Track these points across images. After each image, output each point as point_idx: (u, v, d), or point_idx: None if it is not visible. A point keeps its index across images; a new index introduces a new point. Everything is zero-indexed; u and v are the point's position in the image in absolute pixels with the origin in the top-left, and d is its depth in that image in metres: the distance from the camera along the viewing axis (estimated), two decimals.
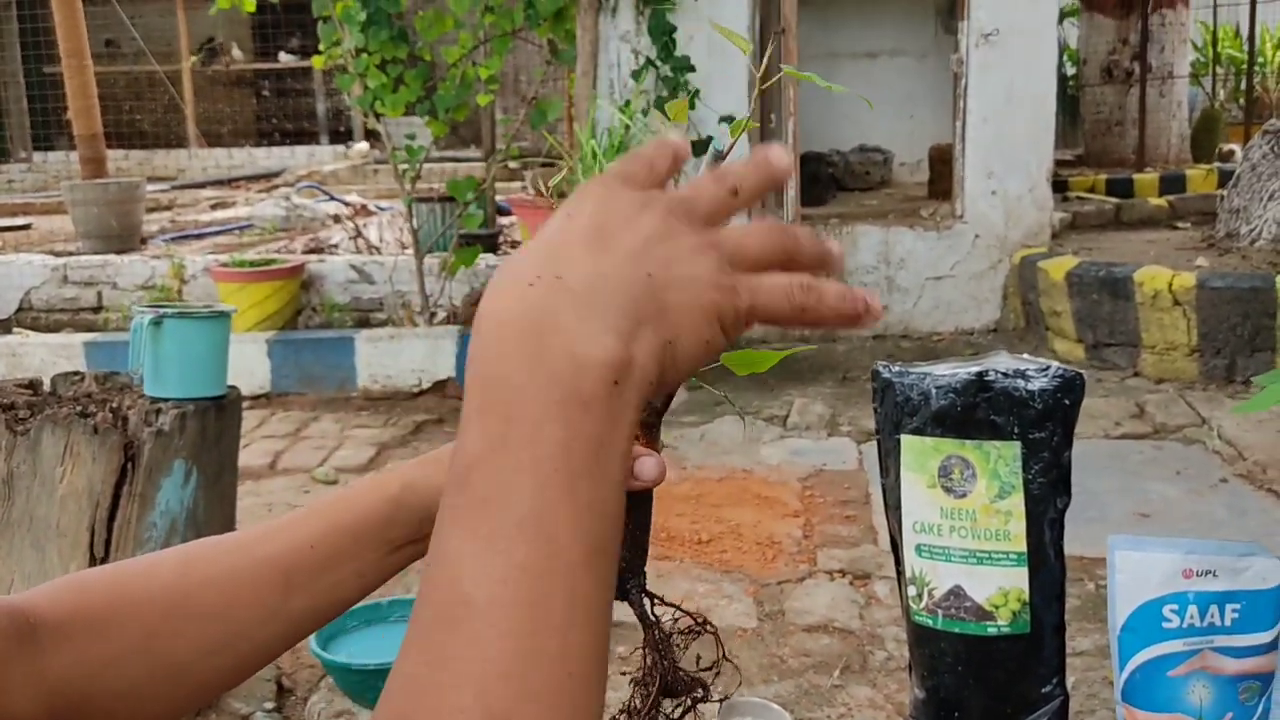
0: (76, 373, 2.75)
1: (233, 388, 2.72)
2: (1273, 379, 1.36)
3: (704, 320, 0.50)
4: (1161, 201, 7.92)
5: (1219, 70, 12.54)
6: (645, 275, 0.49)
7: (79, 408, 2.52)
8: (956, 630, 0.96)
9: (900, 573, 1.02)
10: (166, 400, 2.54)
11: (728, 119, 5.96)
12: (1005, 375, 0.94)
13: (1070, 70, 12.04)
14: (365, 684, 2.55)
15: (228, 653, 0.72)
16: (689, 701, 0.72)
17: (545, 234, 0.50)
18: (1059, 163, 9.44)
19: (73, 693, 0.68)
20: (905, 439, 0.98)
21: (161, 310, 2.54)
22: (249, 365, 5.61)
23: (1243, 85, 11.72)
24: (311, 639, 2.67)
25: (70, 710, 0.68)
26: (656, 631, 0.72)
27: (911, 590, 0.99)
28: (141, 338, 2.52)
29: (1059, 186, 8.06)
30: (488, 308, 0.49)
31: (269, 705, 2.81)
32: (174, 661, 0.70)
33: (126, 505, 2.49)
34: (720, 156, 0.71)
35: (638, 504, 0.78)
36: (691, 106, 5.93)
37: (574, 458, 0.46)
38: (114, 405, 2.55)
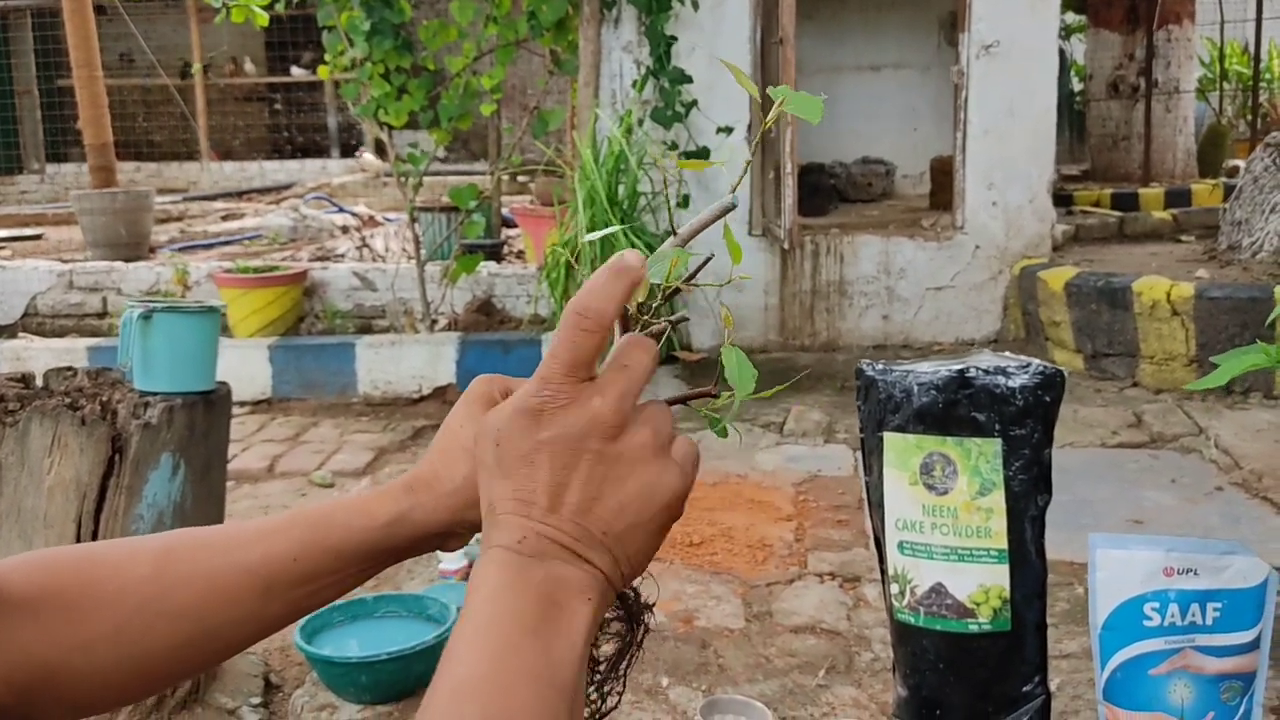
0: (69, 368, 2.78)
1: (222, 383, 2.74)
2: (1230, 357, 1.36)
3: (658, 541, 0.64)
4: (1165, 215, 7.92)
5: (1226, 86, 12.53)
6: (605, 534, 0.62)
7: (68, 400, 2.54)
8: (938, 628, 0.96)
9: (884, 571, 1.02)
10: (156, 394, 2.56)
11: (726, 130, 5.99)
12: (986, 372, 0.95)
13: (1076, 85, 12.05)
14: (348, 677, 2.56)
15: (196, 649, 0.72)
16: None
17: (547, 460, 0.62)
18: (1065, 177, 9.45)
19: (35, 671, 0.67)
20: (888, 436, 0.98)
21: (151, 305, 2.57)
22: (250, 371, 5.65)
23: (1249, 101, 11.71)
24: (296, 633, 2.69)
25: (33, 687, 0.67)
26: (634, 625, 0.73)
27: (894, 588, 1.00)
28: (131, 332, 2.54)
29: (1064, 200, 8.06)
30: (499, 532, 0.62)
31: (255, 700, 2.82)
32: (143, 653, 0.70)
33: (114, 497, 2.51)
34: (730, 209, 0.73)
35: None
36: (685, 116, 5.97)
37: (547, 629, 0.59)
38: (103, 399, 2.57)
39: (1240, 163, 10.04)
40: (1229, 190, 8.33)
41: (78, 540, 2.50)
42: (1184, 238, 7.36)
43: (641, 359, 0.65)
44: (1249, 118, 11.63)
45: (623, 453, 0.62)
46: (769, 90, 0.70)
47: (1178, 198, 8.63)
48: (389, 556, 0.75)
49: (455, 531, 0.76)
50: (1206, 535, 3.63)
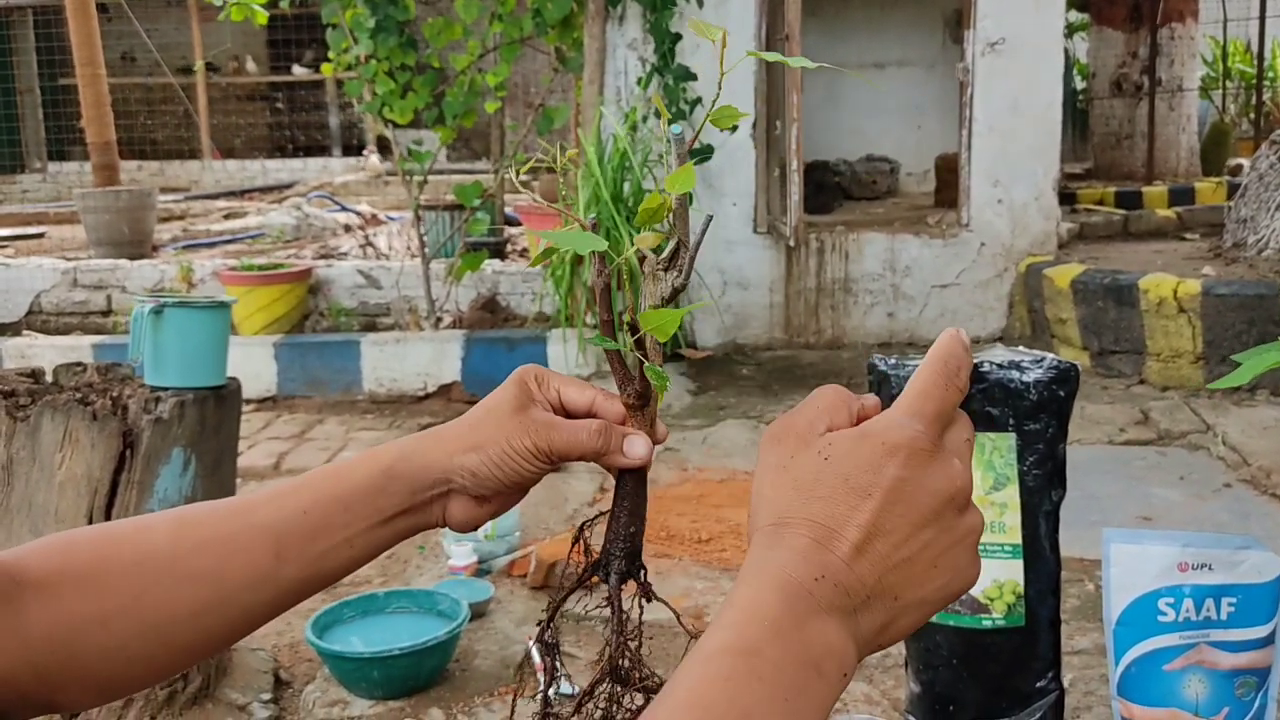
0: (78, 363, 2.77)
1: (233, 378, 2.74)
2: (1253, 355, 1.35)
3: (921, 624, 0.59)
4: (1170, 213, 7.91)
5: (1229, 85, 12.52)
6: (894, 600, 0.56)
7: (79, 395, 2.54)
8: (952, 623, 0.95)
9: None
10: (167, 389, 2.56)
11: (731, 127, 5.97)
12: (1000, 367, 0.94)
13: (1079, 84, 12.03)
14: (360, 673, 2.55)
15: (215, 616, 0.72)
16: (636, 693, 0.72)
17: (842, 502, 0.56)
18: (1068, 175, 9.43)
19: (57, 650, 0.67)
20: None
21: (162, 300, 2.56)
22: (255, 368, 5.64)
23: (1253, 100, 11.70)
24: (307, 628, 2.68)
25: (54, 668, 0.67)
26: (620, 616, 0.72)
27: None
28: (141, 327, 2.54)
29: (1067, 199, 8.05)
30: (789, 555, 0.56)
31: (265, 696, 2.82)
32: (162, 623, 0.70)
33: (125, 492, 2.51)
34: (680, 139, 0.73)
35: (629, 484, 0.77)
36: (690, 113, 5.96)
37: (803, 701, 0.52)
38: (114, 394, 2.57)
39: (1243, 161, 10.04)
40: (1232, 188, 8.33)
41: None
42: (1188, 236, 7.36)
43: (972, 440, 0.61)
44: (1251, 116, 11.62)
45: (957, 527, 0.58)
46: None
47: (1181, 196, 8.62)
48: (392, 508, 0.74)
49: (453, 482, 0.75)
50: (1216, 531, 3.62)
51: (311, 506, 0.74)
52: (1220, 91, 12.29)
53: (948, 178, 7.11)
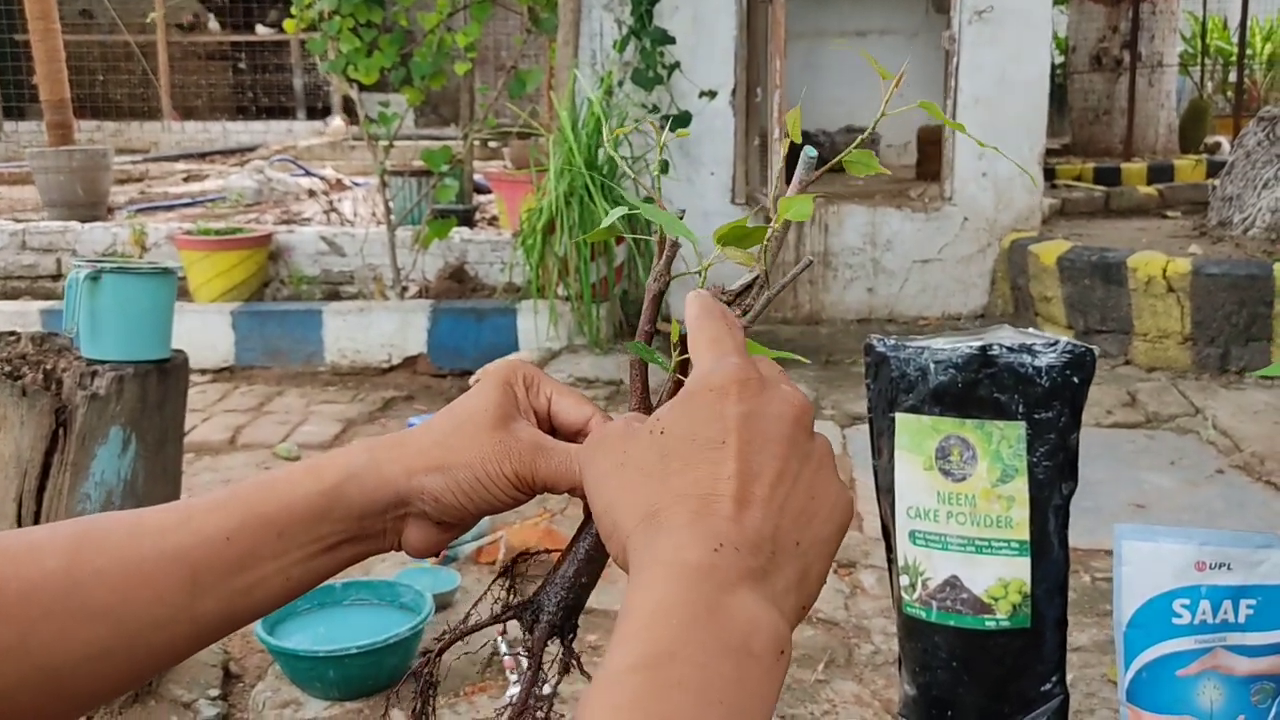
0: (12, 333, 2.56)
1: (179, 351, 2.54)
2: None
3: (829, 565, 0.54)
4: (1151, 190, 7.82)
5: (1207, 62, 12.45)
6: (796, 545, 0.52)
7: (9, 368, 2.33)
8: (952, 623, 0.90)
9: (892, 561, 0.95)
10: (104, 362, 2.35)
11: (709, 94, 5.79)
12: (1010, 350, 0.88)
13: (1058, 58, 11.92)
14: (314, 672, 2.37)
15: (117, 658, 0.59)
16: None
17: (714, 466, 0.52)
18: (1046, 151, 9.32)
19: None
20: (900, 417, 0.91)
21: (100, 265, 2.35)
22: (212, 337, 5.43)
23: (1230, 77, 11.62)
24: (257, 623, 2.49)
25: None
26: (536, 674, 0.63)
27: (904, 580, 0.93)
28: (77, 294, 2.33)
29: (1046, 174, 7.94)
30: (675, 538, 0.50)
31: (213, 693, 2.63)
32: (53, 666, 0.57)
33: (58, 475, 2.31)
34: (813, 163, 0.68)
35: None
36: (667, 78, 5.76)
37: (739, 695, 0.46)
38: (47, 367, 2.36)
39: (1221, 139, 9.97)
40: (1212, 166, 8.24)
41: (18, 520, 2.30)
42: (1170, 213, 7.27)
43: (782, 371, 0.59)
44: (1229, 94, 11.55)
45: (812, 451, 0.54)
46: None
47: (1160, 173, 8.54)
48: (336, 534, 0.63)
49: (410, 506, 0.64)
50: (1213, 520, 3.51)
51: (237, 531, 0.60)
52: (1199, 68, 12.21)
53: (929, 150, 6.96)
